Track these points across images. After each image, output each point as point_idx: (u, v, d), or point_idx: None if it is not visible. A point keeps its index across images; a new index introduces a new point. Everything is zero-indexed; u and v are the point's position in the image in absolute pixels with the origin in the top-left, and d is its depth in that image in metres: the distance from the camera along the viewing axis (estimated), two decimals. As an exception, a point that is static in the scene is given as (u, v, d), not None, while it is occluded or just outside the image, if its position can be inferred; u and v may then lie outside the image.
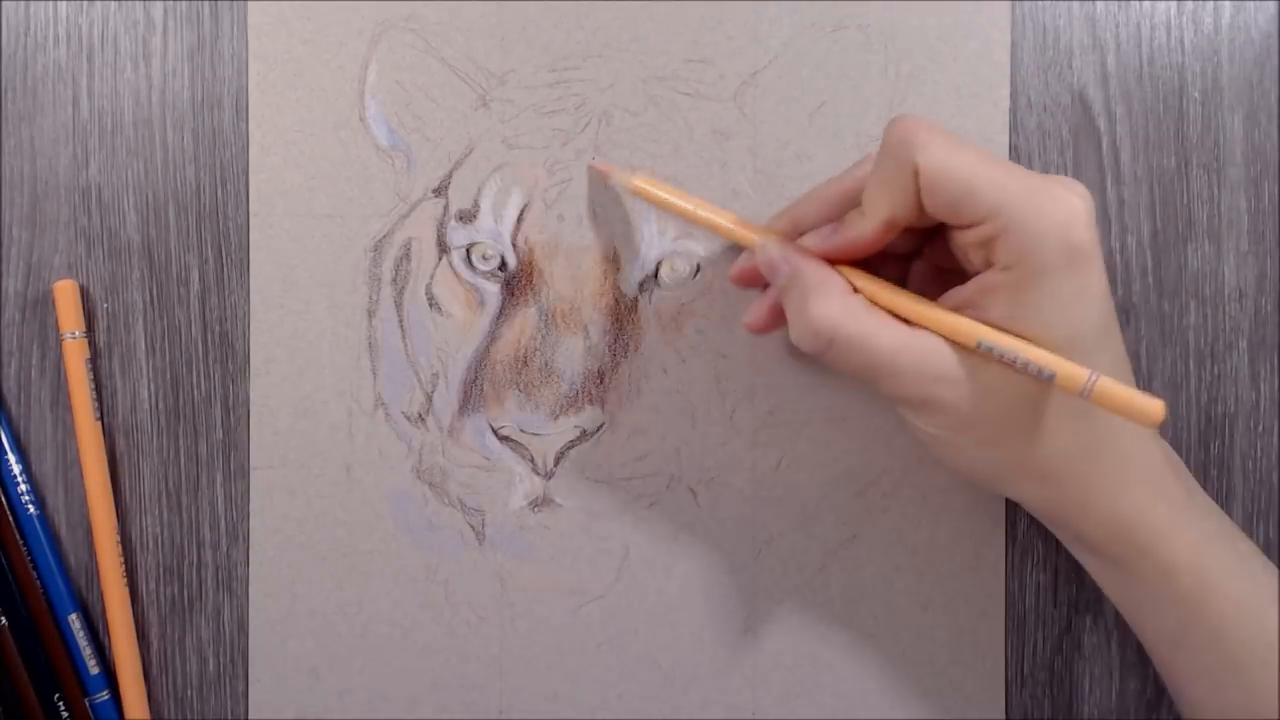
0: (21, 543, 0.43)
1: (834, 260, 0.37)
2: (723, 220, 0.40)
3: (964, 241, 0.35)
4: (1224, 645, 0.37)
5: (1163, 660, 0.40)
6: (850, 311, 0.36)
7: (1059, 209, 0.34)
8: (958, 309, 0.35)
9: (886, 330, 0.35)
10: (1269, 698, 0.36)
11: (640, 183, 0.41)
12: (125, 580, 0.43)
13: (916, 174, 0.34)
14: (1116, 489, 0.37)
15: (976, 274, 0.35)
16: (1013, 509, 0.44)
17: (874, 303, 0.37)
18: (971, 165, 0.34)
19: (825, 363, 0.36)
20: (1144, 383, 0.44)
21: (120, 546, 0.43)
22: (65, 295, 0.43)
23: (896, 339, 0.35)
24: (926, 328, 0.36)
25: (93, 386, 0.43)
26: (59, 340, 0.43)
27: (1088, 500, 0.37)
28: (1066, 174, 0.44)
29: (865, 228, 0.36)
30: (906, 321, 0.36)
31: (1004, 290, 0.34)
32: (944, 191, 0.34)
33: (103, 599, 0.43)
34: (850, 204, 0.38)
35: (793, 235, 0.39)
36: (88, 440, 0.43)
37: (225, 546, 0.44)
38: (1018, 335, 0.34)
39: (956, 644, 0.44)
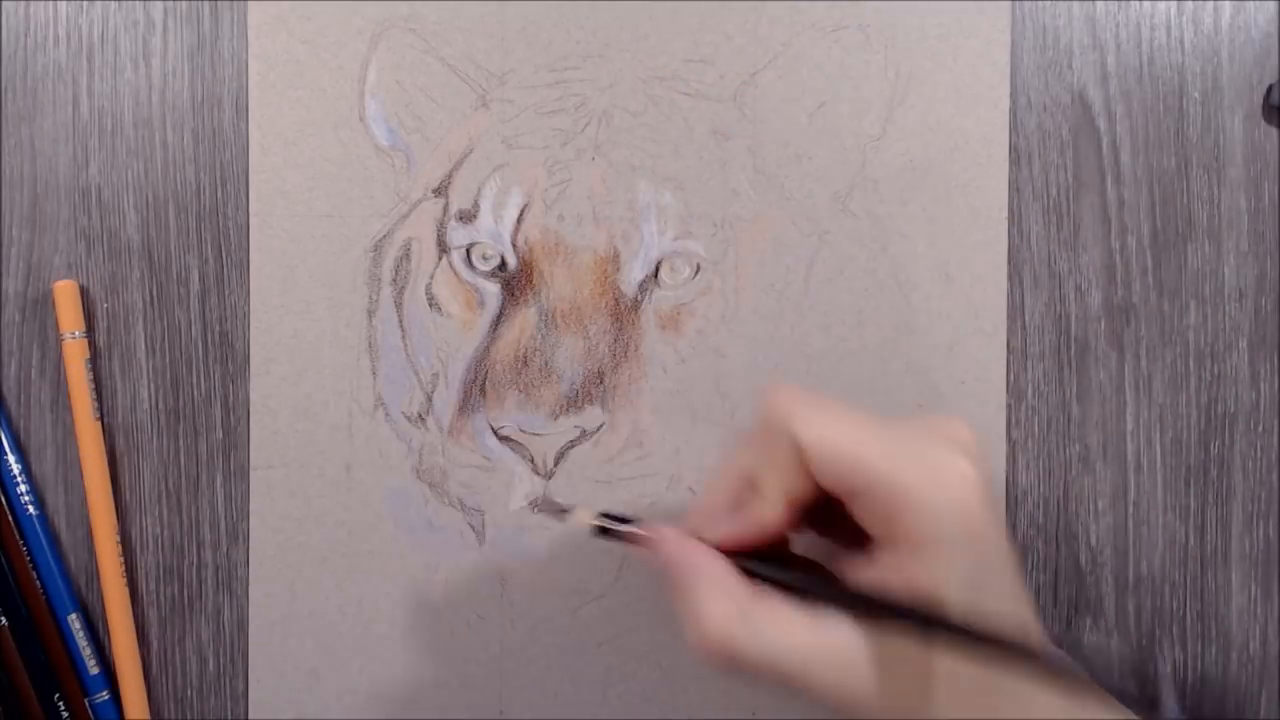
0: (21, 543, 0.43)
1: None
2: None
3: (861, 514, 0.33)
4: None
5: None
6: (747, 623, 0.33)
7: (954, 487, 0.31)
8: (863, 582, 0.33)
9: (790, 637, 0.32)
10: None
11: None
12: (125, 580, 0.43)
13: (800, 449, 0.32)
14: None
15: (877, 537, 0.33)
16: (1012, 509, 0.44)
17: (771, 584, 0.34)
18: (854, 436, 0.32)
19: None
20: (1144, 382, 0.44)
21: (120, 546, 0.43)
22: (65, 295, 0.43)
23: (803, 647, 0.32)
24: (836, 608, 0.33)
25: (93, 386, 0.43)
26: (59, 340, 0.43)
27: None
28: (1067, 174, 0.44)
29: (766, 511, 0.34)
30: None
31: (907, 564, 0.32)
32: (831, 465, 0.32)
33: (103, 599, 0.43)
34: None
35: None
36: (88, 440, 0.43)
37: (225, 546, 0.44)
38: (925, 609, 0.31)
39: (956, 644, 0.44)
